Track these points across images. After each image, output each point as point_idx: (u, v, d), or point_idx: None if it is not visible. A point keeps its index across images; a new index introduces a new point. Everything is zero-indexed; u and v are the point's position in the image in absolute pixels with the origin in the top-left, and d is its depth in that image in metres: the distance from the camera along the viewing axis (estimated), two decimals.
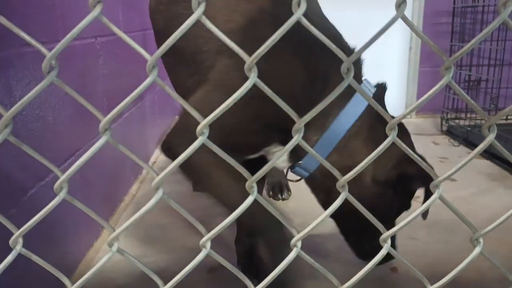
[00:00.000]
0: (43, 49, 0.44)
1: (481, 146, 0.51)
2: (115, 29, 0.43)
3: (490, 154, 2.33)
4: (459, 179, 1.89)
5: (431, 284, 0.62)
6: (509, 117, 2.73)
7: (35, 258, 0.50)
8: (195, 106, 0.49)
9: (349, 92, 1.02)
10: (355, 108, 1.03)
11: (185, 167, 1.01)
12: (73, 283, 0.53)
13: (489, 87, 2.88)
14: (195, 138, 0.47)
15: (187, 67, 1.16)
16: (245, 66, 0.44)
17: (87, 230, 1.40)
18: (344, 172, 0.54)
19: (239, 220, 1.03)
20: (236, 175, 1.02)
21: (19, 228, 0.51)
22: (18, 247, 0.47)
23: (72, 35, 0.40)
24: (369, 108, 1.03)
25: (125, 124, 1.82)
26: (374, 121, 1.03)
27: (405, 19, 0.48)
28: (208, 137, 0.47)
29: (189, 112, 0.47)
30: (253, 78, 0.44)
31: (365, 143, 1.03)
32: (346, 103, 1.02)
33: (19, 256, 0.52)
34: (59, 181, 0.44)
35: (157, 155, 2.46)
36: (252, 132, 1.05)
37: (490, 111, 2.58)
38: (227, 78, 1.02)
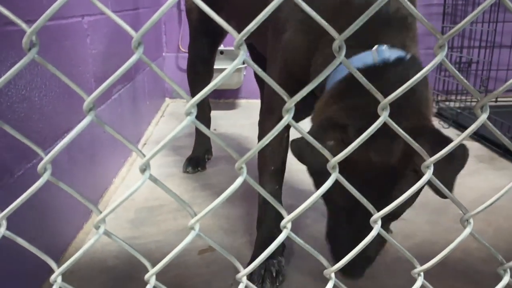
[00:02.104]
0: (23, 25, 0.42)
1: (474, 126, 0.51)
2: (98, 3, 0.42)
3: (478, 135, 2.34)
4: None
5: (420, 265, 0.62)
6: (498, 99, 2.75)
7: (20, 241, 0.49)
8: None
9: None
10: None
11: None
12: (62, 265, 0.53)
13: (480, 69, 2.89)
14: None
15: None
16: (234, 44, 0.43)
17: (77, 212, 1.39)
18: None
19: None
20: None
21: (4, 210, 0.50)
22: (2, 230, 0.46)
23: (53, 9, 0.38)
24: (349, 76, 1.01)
25: (114, 105, 1.79)
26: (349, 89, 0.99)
27: None
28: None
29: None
30: (242, 56, 0.43)
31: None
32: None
33: (7, 238, 0.51)
34: (42, 162, 0.43)
35: (147, 137, 2.44)
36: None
37: (480, 93, 2.58)
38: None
